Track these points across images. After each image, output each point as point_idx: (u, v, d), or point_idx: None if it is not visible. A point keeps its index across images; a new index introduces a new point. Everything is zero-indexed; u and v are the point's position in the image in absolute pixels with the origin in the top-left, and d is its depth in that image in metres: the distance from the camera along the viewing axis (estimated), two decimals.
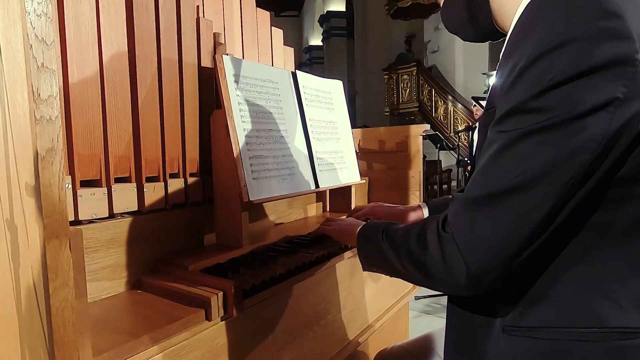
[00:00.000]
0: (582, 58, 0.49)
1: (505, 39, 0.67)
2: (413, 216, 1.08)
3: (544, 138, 0.52)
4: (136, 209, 0.89)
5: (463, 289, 0.59)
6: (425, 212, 1.07)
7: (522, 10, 0.60)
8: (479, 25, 0.74)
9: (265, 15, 1.37)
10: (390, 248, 0.70)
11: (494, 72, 0.75)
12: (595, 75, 0.49)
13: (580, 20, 0.51)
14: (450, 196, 1.08)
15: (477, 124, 5.59)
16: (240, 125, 1.00)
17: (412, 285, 1.52)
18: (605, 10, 0.50)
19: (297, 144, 1.19)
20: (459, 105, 9.57)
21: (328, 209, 1.52)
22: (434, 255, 0.60)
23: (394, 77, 10.94)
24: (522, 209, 0.54)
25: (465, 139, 8.57)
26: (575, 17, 0.51)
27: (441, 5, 0.81)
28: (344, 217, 1.12)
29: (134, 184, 0.89)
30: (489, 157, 0.57)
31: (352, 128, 1.51)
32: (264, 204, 1.20)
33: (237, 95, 1.02)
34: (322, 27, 14.79)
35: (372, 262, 0.78)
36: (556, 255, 0.58)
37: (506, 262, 0.55)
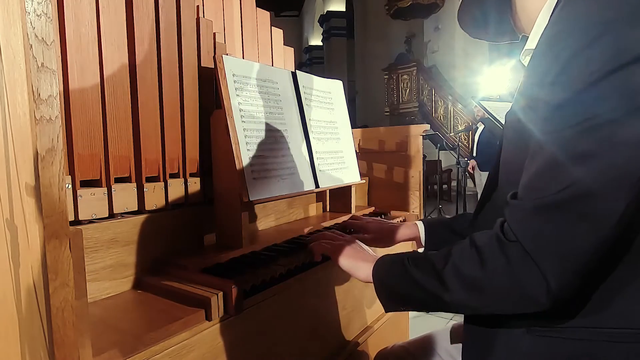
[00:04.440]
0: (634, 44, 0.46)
1: (529, 38, 0.65)
2: (406, 231, 1.03)
3: (606, 133, 0.48)
4: (136, 209, 0.89)
5: (535, 304, 0.54)
6: (421, 229, 1.01)
7: (546, 10, 0.59)
8: (499, 24, 0.72)
9: (265, 15, 1.37)
10: (426, 275, 0.64)
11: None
12: None
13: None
14: (448, 217, 1.05)
15: (477, 124, 5.59)
16: (240, 125, 1.00)
17: None
18: None
19: (297, 143, 1.19)
20: (459, 105, 9.57)
21: (328, 209, 1.52)
22: (498, 270, 0.56)
23: (394, 77, 10.95)
24: (595, 214, 0.50)
25: (465, 139, 8.58)
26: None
27: (460, 4, 0.79)
28: (329, 232, 1.02)
29: (134, 184, 0.89)
30: (546, 161, 0.52)
31: (352, 128, 1.51)
32: (264, 204, 1.20)
33: (237, 95, 1.02)
34: (322, 27, 14.80)
35: (399, 298, 0.70)
36: None
37: (582, 271, 0.52)
